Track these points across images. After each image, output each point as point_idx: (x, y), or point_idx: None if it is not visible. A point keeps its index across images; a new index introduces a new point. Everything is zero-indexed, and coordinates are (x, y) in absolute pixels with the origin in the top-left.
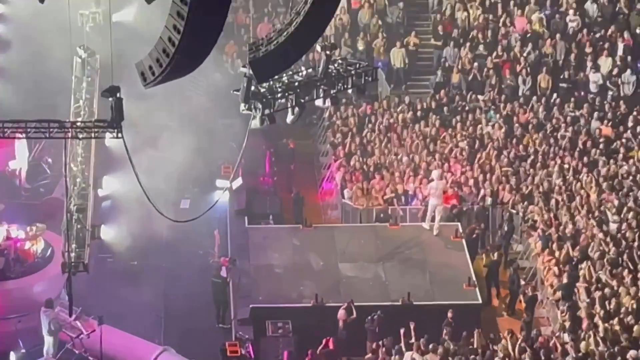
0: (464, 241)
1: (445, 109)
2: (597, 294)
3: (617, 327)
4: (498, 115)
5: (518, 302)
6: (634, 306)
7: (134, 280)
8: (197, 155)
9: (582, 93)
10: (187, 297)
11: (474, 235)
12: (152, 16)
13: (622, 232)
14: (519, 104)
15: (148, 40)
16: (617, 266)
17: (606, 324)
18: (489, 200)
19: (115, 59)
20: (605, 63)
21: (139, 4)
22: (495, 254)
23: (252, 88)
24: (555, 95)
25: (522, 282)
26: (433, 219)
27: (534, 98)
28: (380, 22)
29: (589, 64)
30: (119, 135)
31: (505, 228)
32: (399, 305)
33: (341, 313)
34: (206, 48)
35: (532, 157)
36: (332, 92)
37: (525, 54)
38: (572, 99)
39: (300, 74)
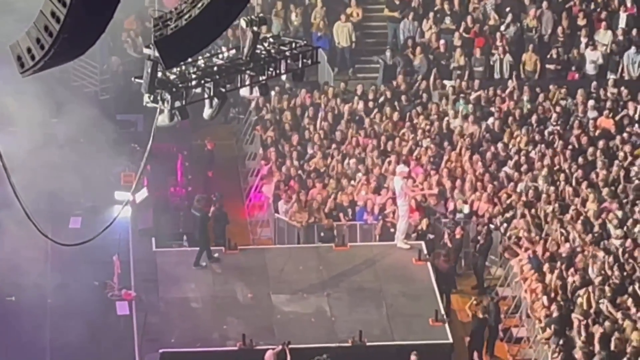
0: (429, 265)
1: (403, 98)
2: (597, 329)
3: None
4: (470, 106)
5: (498, 340)
6: None
7: (11, 321)
8: (89, 161)
9: (576, 76)
10: (79, 341)
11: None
12: None
13: (628, 250)
14: (496, 91)
15: (25, 15)
16: (621, 294)
17: None
18: (460, 212)
19: None
20: (603, 37)
21: None
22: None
23: (159, 75)
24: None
25: (503, 316)
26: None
27: (515, 83)
28: None
29: (584, 39)
30: None
31: (478, 246)
32: (348, 347)
33: (269, 355)
34: (100, 24)
35: (513, 157)
36: (261, 78)
37: (503, 28)
38: (564, 84)
39: (220, 56)
